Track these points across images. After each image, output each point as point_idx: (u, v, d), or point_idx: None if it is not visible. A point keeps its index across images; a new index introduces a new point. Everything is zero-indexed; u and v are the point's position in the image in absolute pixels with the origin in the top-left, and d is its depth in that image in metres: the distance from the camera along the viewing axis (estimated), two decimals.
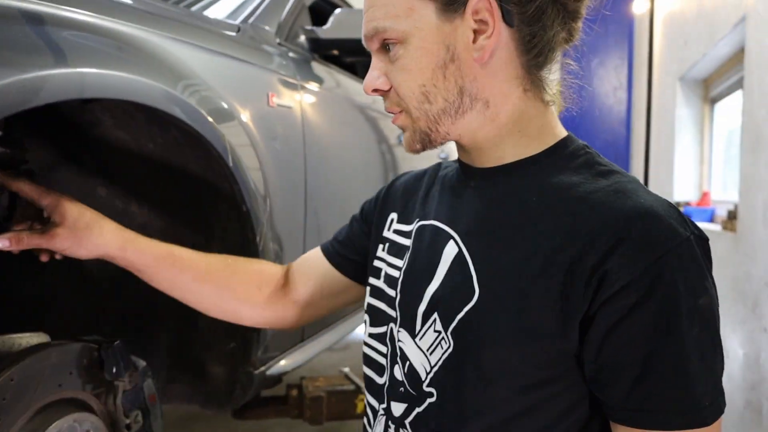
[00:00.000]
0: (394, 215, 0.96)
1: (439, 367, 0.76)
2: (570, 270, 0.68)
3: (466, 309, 0.74)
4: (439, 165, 0.98)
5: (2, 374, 0.89)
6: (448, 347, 0.75)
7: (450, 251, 0.80)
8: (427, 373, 0.78)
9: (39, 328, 1.07)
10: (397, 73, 0.78)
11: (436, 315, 0.78)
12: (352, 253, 1.05)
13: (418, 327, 0.80)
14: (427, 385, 0.78)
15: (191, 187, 1.35)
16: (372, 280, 0.95)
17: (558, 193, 0.74)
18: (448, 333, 0.75)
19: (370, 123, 2.31)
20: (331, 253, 1.08)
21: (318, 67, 1.99)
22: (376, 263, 0.95)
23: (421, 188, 0.95)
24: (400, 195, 0.98)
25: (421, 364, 0.79)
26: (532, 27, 0.75)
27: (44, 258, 1.01)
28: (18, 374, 0.91)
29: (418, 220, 0.89)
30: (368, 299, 0.94)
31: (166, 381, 1.50)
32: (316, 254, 1.11)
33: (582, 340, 0.69)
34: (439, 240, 0.82)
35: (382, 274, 0.92)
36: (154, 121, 1.21)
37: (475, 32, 0.74)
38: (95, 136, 1.26)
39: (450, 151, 3.16)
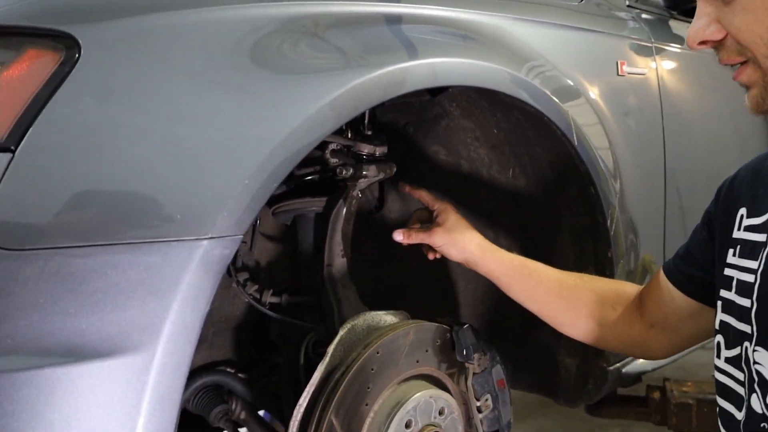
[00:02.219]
0: (743, 210, 0.80)
1: None
2: None
3: None
4: None
5: (370, 347, 0.98)
6: None
7: None
8: None
9: (400, 308, 1.16)
10: (736, 16, 0.66)
11: None
12: (694, 268, 0.91)
13: None
14: None
15: (535, 170, 1.30)
16: (723, 293, 0.79)
17: None
18: None
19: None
20: (672, 271, 0.96)
21: (677, 25, 1.72)
22: (727, 271, 0.79)
23: None
24: (747, 185, 0.82)
25: None
26: None
27: (430, 255, 1.20)
28: (383, 348, 1.00)
29: None
30: (719, 315, 0.80)
31: (514, 367, 1.49)
32: (660, 275, 0.99)
33: None
34: None
35: (734, 282, 0.77)
36: (498, 106, 1.20)
37: None
38: (442, 127, 1.31)
39: None
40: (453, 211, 1.16)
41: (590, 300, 1.02)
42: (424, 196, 1.21)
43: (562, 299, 1.04)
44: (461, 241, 1.11)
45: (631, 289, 1.05)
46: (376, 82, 0.83)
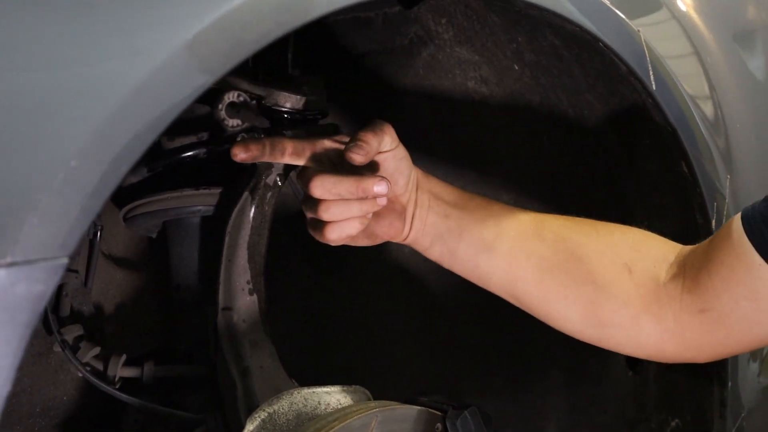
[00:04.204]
0: None
1: None
2: None
3: None
4: None
5: None
6: None
7: None
8: None
9: (355, 380, 1.18)
10: None
11: None
12: None
13: None
14: None
15: (586, 135, 1.34)
16: None
17: None
18: None
19: None
20: (758, 224, 1.01)
21: None
22: None
23: None
24: None
25: None
26: None
27: None
28: None
29: None
30: None
31: None
32: (735, 228, 1.04)
33: None
34: None
35: None
36: (519, 23, 1.22)
37: None
38: (425, 60, 1.34)
39: None
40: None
41: (591, 263, 1.11)
42: (287, 148, 1.10)
43: (545, 245, 1.13)
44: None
45: (664, 247, 1.13)
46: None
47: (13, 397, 1.08)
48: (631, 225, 1.36)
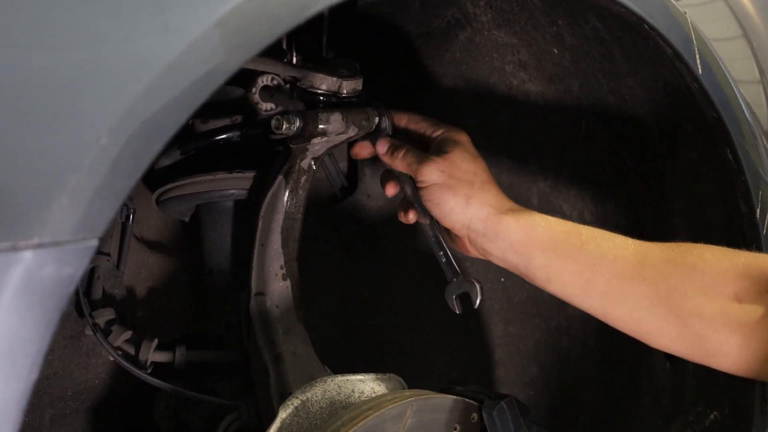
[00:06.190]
0: None
1: None
2: None
3: None
4: None
5: None
6: None
7: None
8: None
9: (390, 368, 1.16)
10: None
11: None
12: None
13: None
14: None
15: (627, 121, 1.31)
16: None
17: None
18: None
19: None
20: None
21: None
22: None
23: None
24: None
25: None
26: None
27: (404, 217, 1.23)
28: None
29: None
30: None
31: None
32: None
33: None
34: None
35: None
36: (560, 5, 1.20)
37: None
38: (462, 43, 1.32)
39: None
40: (467, 142, 1.22)
41: (689, 289, 1.06)
42: (417, 121, 1.26)
43: (645, 285, 1.07)
44: (467, 188, 1.16)
45: None
46: None
47: (44, 380, 1.08)
48: (670, 219, 1.34)
